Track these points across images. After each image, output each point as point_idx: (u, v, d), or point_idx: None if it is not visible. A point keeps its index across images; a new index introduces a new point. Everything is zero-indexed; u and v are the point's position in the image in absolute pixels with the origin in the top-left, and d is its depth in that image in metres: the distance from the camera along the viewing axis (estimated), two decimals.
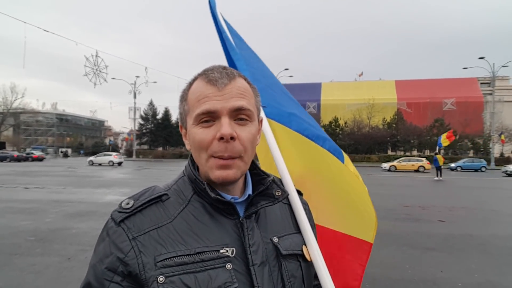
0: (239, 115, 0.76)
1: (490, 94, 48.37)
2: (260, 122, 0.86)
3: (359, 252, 1.61)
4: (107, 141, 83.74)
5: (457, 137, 49.15)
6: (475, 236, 6.84)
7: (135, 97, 53.30)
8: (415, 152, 53.95)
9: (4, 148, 53.41)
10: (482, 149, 48.26)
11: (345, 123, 57.18)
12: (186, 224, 0.75)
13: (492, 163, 38.59)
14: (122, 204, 0.76)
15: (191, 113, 0.78)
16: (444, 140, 23.05)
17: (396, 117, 55.99)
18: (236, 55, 1.47)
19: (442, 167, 22.46)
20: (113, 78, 46.85)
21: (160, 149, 63.78)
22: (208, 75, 0.78)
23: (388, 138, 52.81)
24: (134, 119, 56.98)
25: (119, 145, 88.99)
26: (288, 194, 0.90)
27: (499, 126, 46.18)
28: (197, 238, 0.74)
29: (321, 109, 64.80)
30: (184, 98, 0.82)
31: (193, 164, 0.83)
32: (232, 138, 0.73)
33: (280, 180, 1.00)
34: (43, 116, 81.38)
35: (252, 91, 0.82)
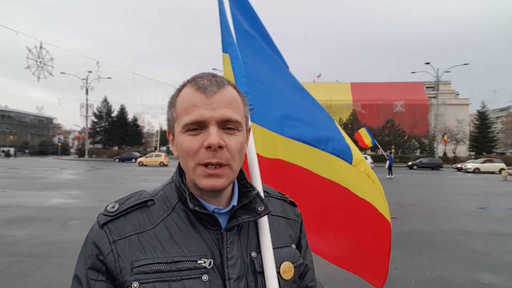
0: (227, 124, 0.76)
1: (435, 97, 52.18)
2: (248, 130, 0.87)
3: (384, 230, 1.65)
4: (56, 139, 78.15)
5: (406, 137, 52.51)
6: (425, 232, 7.19)
7: (87, 93, 50.36)
8: (369, 152, 56.75)
9: None
10: (427, 149, 51.88)
11: None
12: (168, 231, 0.76)
13: None
14: (108, 208, 0.79)
15: (179, 120, 0.78)
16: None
17: (351, 117, 58.38)
18: (234, 51, 1.30)
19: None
20: (62, 73, 43.96)
21: (116, 148, 60.87)
22: (197, 82, 0.77)
23: None
24: (87, 117, 53.72)
25: (70, 144, 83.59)
26: (270, 211, 0.85)
27: (443, 127, 49.97)
28: (176, 246, 0.75)
29: None
30: (172, 104, 0.81)
31: (180, 171, 0.84)
32: (220, 147, 0.73)
33: (269, 193, 0.98)
34: None
35: (241, 100, 0.82)
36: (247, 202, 0.82)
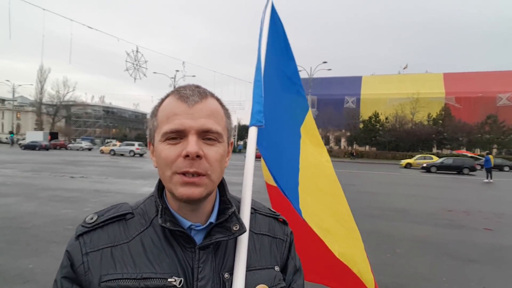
0: (207, 135, 0.75)
1: None
2: (231, 144, 0.85)
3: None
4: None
5: None
6: None
7: None
8: (464, 151, 50.57)
9: (57, 138, 57.63)
10: None
11: (386, 118, 54.96)
12: (142, 247, 0.75)
13: None
14: (86, 219, 0.78)
15: (159, 129, 0.77)
16: None
17: (443, 112, 52.72)
18: (258, 74, 1.30)
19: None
20: (155, 72, 48.55)
21: None
22: (180, 91, 0.77)
23: (434, 135, 49.95)
24: None
25: None
26: (245, 231, 0.81)
27: None
28: (148, 263, 0.73)
29: (361, 103, 62.72)
30: (154, 114, 0.81)
31: (159, 185, 0.83)
32: (198, 156, 0.72)
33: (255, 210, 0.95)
34: (92, 109, 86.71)
35: (223, 112, 0.81)
36: (223, 220, 0.79)
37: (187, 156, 0.71)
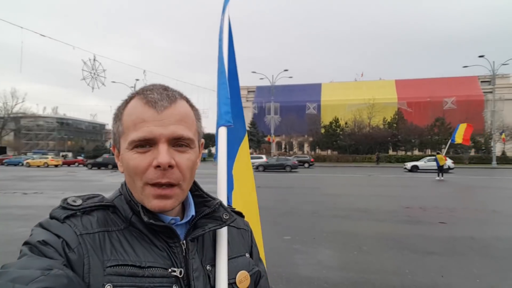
0: (178, 142, 0.71)
1: (491, 92, 48.34)
2: (201, 145, 0.82)
3: None
4: (107, 144, 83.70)
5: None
6: (477, 238, 6.72)
7: None
8: (416, 152, 53.89)
9: (5, 153, 53.40)
10: (483, 148, 48.13)
11: (346, 123, 57.29)
12: (135, 237, 0.71)
13: (494, 162, 38.41)
14: (69, 201, 0.70)
15: (125, 136, 0.72)
16: (458, 136, 21.72)
17: (396, 116, 55.97)
18: (223, 77, 1.34)
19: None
20: (113, 82, 46.94)
21: None
22: (146, 95, 0.71)
23: (389, 138, 52.78)
24: None
25: None
26: (235, 219, 0.84)
27: (500, 124, 46.05)
28: (147, 252, 0.70)
29: (322, 109, 64.89)
30: (118, 117, 0.75)
31: (127, 186, 0.78)
32: (170, 166, 0.68)
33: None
34: (44, 121, 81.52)
35: (194, 114, 0.78)
36: (210, 211, 0.80)
37: (158, 166, 0.68)
